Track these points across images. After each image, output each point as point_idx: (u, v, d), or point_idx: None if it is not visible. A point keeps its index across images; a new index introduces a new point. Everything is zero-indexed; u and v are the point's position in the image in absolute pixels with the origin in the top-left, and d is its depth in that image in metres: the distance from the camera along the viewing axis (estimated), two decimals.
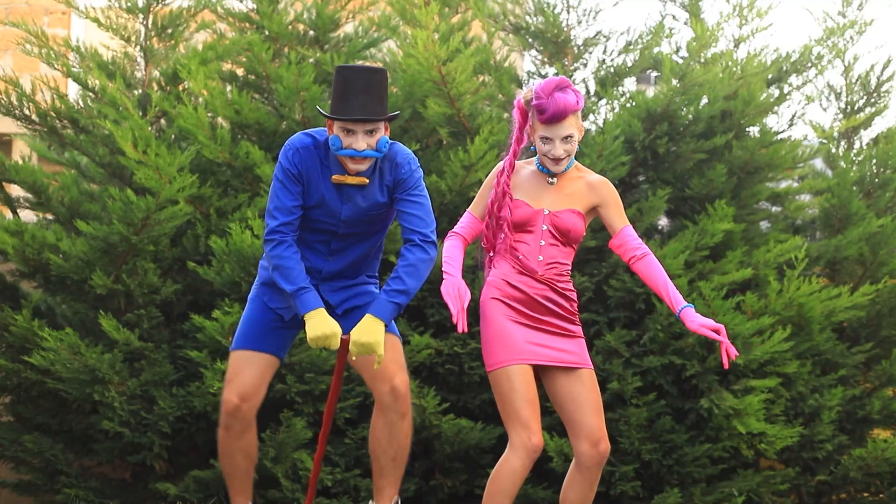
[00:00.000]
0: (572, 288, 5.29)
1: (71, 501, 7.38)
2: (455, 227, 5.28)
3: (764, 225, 8.36)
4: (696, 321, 5.08)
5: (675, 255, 7.45)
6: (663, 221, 8.35)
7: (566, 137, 5.10)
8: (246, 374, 5.24)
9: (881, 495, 7.88)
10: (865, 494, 7.93)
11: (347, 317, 5.32)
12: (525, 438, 5.10)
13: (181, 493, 7.27)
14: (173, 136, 7.83)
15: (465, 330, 4.98)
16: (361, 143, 5.05)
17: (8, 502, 7.97)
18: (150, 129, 7.50)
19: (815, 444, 7.70)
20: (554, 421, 7.42)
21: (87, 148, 7.91)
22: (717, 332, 5.05)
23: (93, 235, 7.27)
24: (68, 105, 7.95)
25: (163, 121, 8.09)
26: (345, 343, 5.13)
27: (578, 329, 5.27)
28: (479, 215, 5.27)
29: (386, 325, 5.17)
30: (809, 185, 8.40)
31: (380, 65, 8.24)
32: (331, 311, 5.30)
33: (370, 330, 5.09)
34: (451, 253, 5.18)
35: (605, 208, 5.24)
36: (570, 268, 5.28)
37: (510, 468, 5.13)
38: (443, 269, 5.11)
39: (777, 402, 7.55)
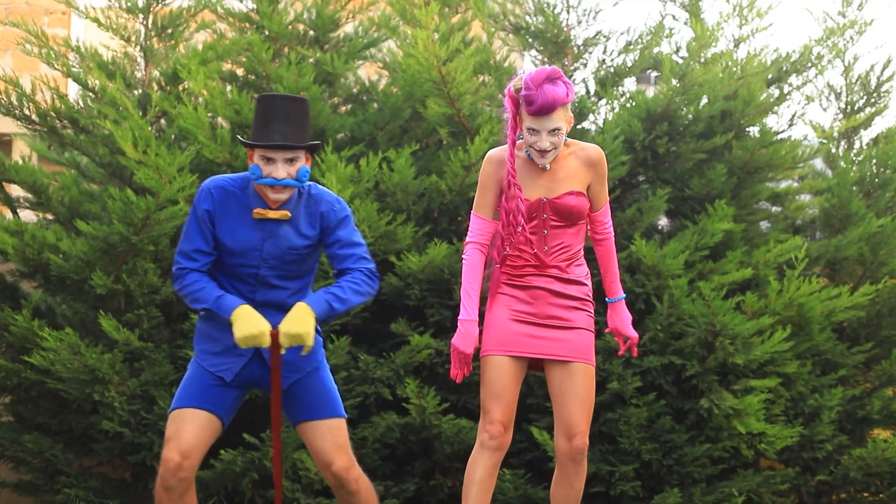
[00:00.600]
0: (585, 271, 5.18)
1: (71, 501, 7.38)
2: (469, 235, 5.14)
3: (764, 225, 8.36)
4: (617, 320, 5.27)
5: (675, 255, 7.45)
6: (663, 221, 8.35)
7: (553, 130, 4.97)
8: (186, 432, 5.02)
9: (881, 495, 7.88)
10: (865, 494, 7.93)
11: (293, 391, 5.17)
12: (481, 429, 5.07)
13: None
14: (173, 136, 7.83)
15: (459, 381, 5.06)
16: (281, 171, 4.93)
17: (8, 502, 7.97)
18: (150, 129, 7.50)
19: (815, 444, 7.70)
20: (553, 421, 7.42)
21: (87, 148, 7.91)
22: (626, 340, 5.24)
23: (93, 235, 7.27)
24: (68, 105, 7.95)
25: (163, 121, 8.09)
26: (275, 337, 4.98)
27: (585, 319, 5.17)
28: (489, 216, 5.13)
29: (316, 318, 5.02)
30: (809, 185, 8.41)
31: (378, 63, 8.25)
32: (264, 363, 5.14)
33: (300, 320, 4.95)
34: (470, 277, 5.08)
35: (597, 184, 5.15)
36: (581, 249, 5.16)
37: (472, 458, 5.10)
38: (461, 301, 5.06)
39: (777, 402, 7.55)
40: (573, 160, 5.12)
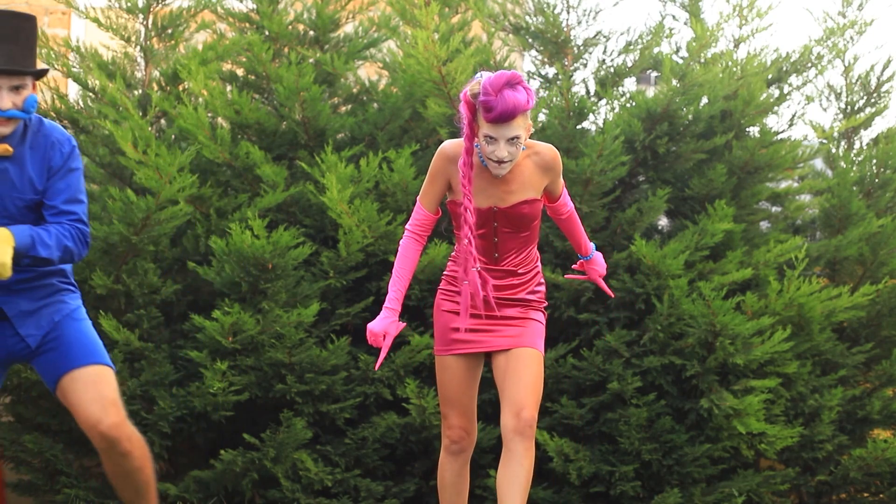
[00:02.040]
0: (536, 265, 5.00)
1: (71, 501, 7.38)
2: (410, 223, 4.93)
3: (764, 225, 8.36)
4: (600, 269, 5.23)
5: (675, 255, 7.45)
6: (663, 221, 8.35)
7: (512, 139, 4.70)
8: None
9: (881, 495, 7.88)
10: (865, 494, 7.93)
11: (44, 350, 4.57)
12: (443, 433, 4.98)
13: (181, 493, 7.27)
14: (173, 137, 7.83)
15: (377, 368, 5.06)
16: (6, 100, 4.34)
17: (8, 502, 7.97)
18: (150, 129, 7.50)
19: (815, 444, 7.70)
20: (553, 421, 7.43)
21: (88, 148, 7.91)
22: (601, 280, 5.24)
23: (93, 236, 7.27)
24: (68, 105, 7.95)
25: (163, 121, 8.09)
26: None
27: (536, 314, 4.96)
28: (432, 209, 4.90)
29: (14, 247, 4.37)
30: (809, 185, 8.41)
31: (378, 63, 8.25)
32: (9, 326, 4.55)
33: None
34: (401, 265, 4.89)
35: (553, 181, 4.93)
36: (532, 246, 4.97)
37: (440, 462, 5.03)
38: (390, 287, 4.87)
39: (777, 402, 7.55)
40: (528, 166, 4.89)
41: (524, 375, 4.84)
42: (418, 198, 4.94)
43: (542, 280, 5.05)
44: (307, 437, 7.19)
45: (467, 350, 4.94)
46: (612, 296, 5.35)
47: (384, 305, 4.86)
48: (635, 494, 7.42)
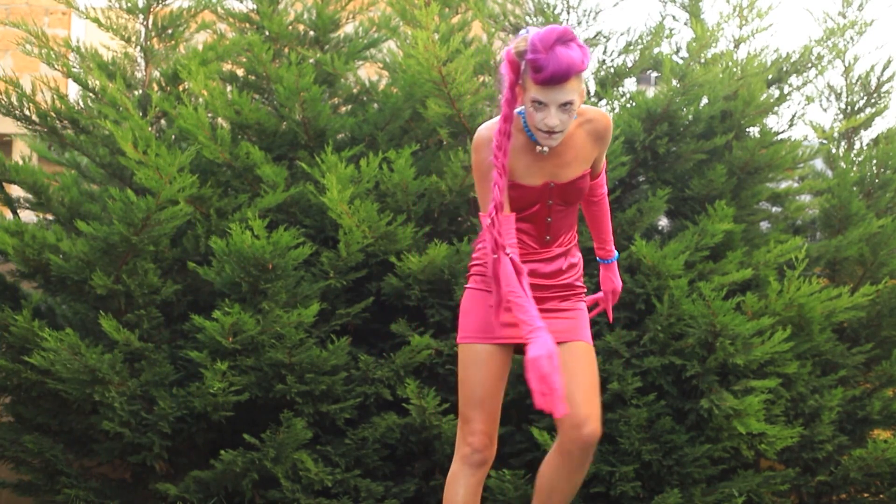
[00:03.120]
0: (578, 248, 4.52)
1: (71, 502, 7.38)
2: (496, 240, 4.19)
3: (764, 225, 8.36)
4: (616, 280, 4.68)
5: (675, 255, 7.45)
6: (663, 222, 8.35)
7: (565, 104, 4.11)
8: None
9: (881, 496, 7.88)
10: (865, 495, 7.93)
11: None
12: (461, 440, 4.37)
13: (181, 493, 7.27)
14: (173, 137, 7.84)
15: (559, 414, 3.98)
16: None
17: (8, 502, 7.97)
18: (150, 129, 7.50)
19: (816, 444, 7.70)
20: (553, 421, 7.42)
21: (88, 148, 7.91)
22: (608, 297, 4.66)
23: (93, 236, 7.27)
24: (68, 105, 7.95)
25: (163, 121, 8.09)
26: None
27: (577, 303, 4.48)
28: (506, 210, 4.26)
29: None
30: (809, 185, 8.41)
31: (378, 63, 8.25)
32: None
33: None
34: (511, 284, 4.13)
35: (601, 154, 4.39)
36: (576, 225, 4.49)
37: (452, 475, 4.40)
38: (520, 317, 4.07)
39: (777, 402, 7.55)
40: (580, 135, 4.32)
41: (582, 376, 4.33)
42: (481, 214, 4.31)
43: (582, 264, 4.57)
44: (307, 438, 7.19)
45: (511, 340, 4.33)
46: (612, 321, 4.83)
47: (533, 327, 4.08)
48: (635, 495, 7.42)
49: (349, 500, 7.30)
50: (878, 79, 8.58)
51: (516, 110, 4.28)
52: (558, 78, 4.06)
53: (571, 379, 4.30)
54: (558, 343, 4.27)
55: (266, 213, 7.47)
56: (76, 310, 7.60)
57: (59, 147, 8.17)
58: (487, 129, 4.30)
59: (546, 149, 4.25)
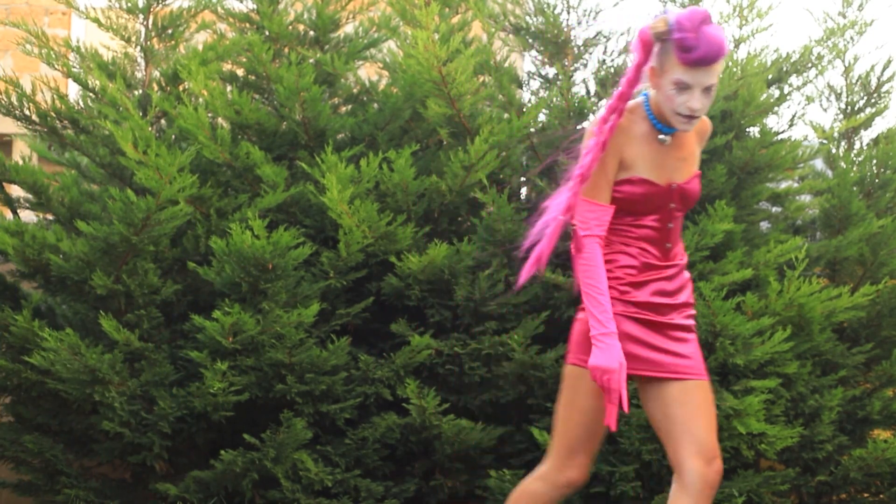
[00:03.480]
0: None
1: (71, 502, 7.38)
2: (583, 226, 4.03)
3: (764, 225, 8.35)
4: None
5: None
6: None
7: (708, 88, 4.00)
8: None
9: (881, 496, 7.88)
10: (866, 495, 7.93)
11: None
12: (557, 467, 4.23)
13: (181, 493, 7.26)
14: (173, 137, 7.84)
15: (615, 428, 3.97)
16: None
17: (8, 502, 7.97)
18: (150, 129, 7.50)
19: (816, 444, 7.70)
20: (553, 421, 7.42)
21: (88, 148, 7.91)
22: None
23: (93, 236, 7.27)
24: (68, 105, 7.95)
25: (163, 121, 8.09)
26: None
27: (693, 323, 4.31)
28: (607, 199, 4.08)
29: None
30: (810, 185, 8.40)
31: (378, 63, 8.25)
32: None
33: None
34: (596, 279, 3.98)
35: (699, 157, 4.30)
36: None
37: (532, 492, 4.30)
38: (594, 312, 3.95)
39: (777, 402, 7.55)
40: (689, 133, 4.20)
41: (709, 413, 4.14)
42: (584, 197, 4.10)
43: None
44: (307, 438, 7.19)
45: (646, 372, 4.12)
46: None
47: (600, 334, 3.98)
48: (635, 495, 7.42)
49: (349, 500, 7.30)
50: (879, 79, 8.58)
51: (638, 97, 4.17)
52: (711, 58, 3.99)
53: (704, 417, 4.14)
54: (689, 379, 4.17)
55: (266, 213, 7.47)
56: (76, 310, 7.60)
57: (59, 147, 8.17)
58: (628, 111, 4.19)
59: (669, 139, 4.13)
